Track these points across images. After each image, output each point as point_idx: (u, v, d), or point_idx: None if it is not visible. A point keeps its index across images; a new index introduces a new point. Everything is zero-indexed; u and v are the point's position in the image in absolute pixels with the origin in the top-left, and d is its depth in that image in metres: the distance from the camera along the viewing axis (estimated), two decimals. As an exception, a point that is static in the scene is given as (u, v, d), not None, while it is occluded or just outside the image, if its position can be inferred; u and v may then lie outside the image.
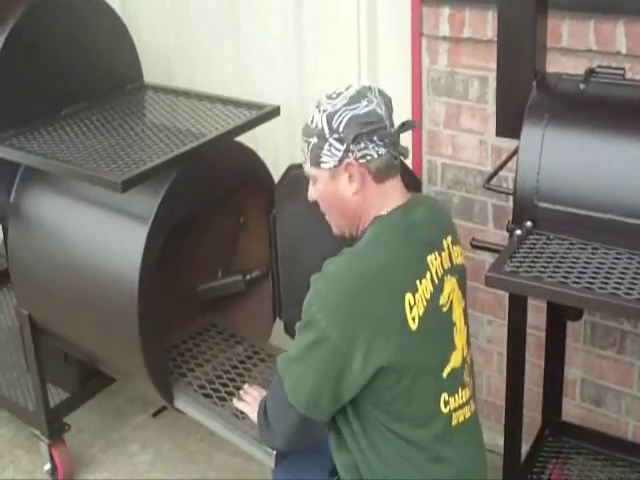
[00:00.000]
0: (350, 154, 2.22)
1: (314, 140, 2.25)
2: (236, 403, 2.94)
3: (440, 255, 2.30)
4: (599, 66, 2.57)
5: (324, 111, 2.25)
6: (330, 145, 2.23)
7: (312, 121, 2.27)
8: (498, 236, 3.16)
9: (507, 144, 2.93)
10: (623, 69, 2.53)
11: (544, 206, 2.42)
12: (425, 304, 2.21)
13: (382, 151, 2.23)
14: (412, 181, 3.05)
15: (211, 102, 3.31)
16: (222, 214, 3.30)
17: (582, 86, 2.48)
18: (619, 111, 2.45)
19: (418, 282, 2.21)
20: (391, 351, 2.15)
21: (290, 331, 3.11)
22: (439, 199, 3.34)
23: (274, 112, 3.15)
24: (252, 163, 3.18)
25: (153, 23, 3.96)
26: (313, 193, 2.36)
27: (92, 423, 3.85)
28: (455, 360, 2.31)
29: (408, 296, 2.18)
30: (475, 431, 2.43)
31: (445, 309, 2.29)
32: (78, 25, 3.33)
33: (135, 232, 2.86)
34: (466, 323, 2.41)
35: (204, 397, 3.05)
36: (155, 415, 3.89)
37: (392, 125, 2.27)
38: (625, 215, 2.31)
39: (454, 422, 2.31)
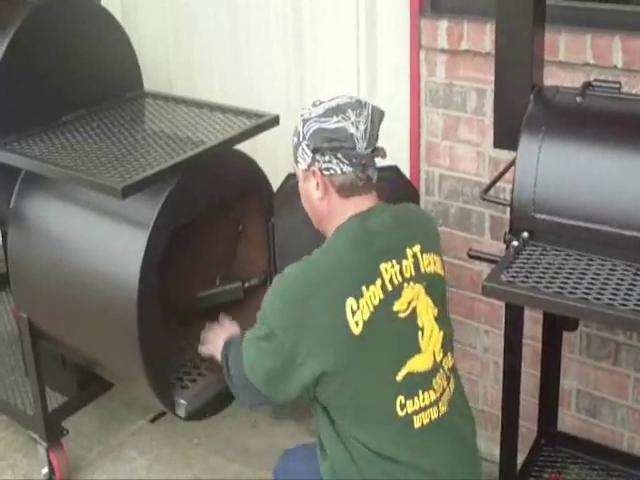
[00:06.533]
0: (316, 163, 2.32)
1: (294, 140, 2.39)
2: (200, 349, 3.01)
3: (400, 263, 2.34)
4: (595, 80, 2.59)
5: (302, 116, 2.38)
6: (302, 149, 2.35)
7: (298, 122, 2.39)
8: (495, 247, 3.18)
9: (504, 155, 2.95)
10: (619, 83, 2.55)
11: (541, 217, 2.43)
12: (372, 309, 2.25)
13: (347, 169, 2.30)
14: (409, 192, 3.08)
15: (211, 110, 3.32)
16: (221, 222, 3.31)
17: (579, 99, 2.50)
18: (615, 124, 2.47)
19: (364, 288, 2.26)
20: (331, 356, 2.23)
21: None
22: (436, 210, 3.36)
23: (273, 121, 3.17)
24: (251, 171, 3.19)
25: (153, 31, 3.97)
26: None
27: (90, 428, 3.86)
28: (417, 364, 2.33)
29: (350, 301, 2.23)
30: (448, 433, 2.42)
31: (403, 315, 2.32)
32: (79, 32, 3.34)
33: (135, 238, 2.87)
34: (443, 329, 2.42)
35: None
36: (153, 421, 3.90)
37: (371, 145, 2.31)
38: (621, 227, 2.33)
39: (416, 425, 2.33)
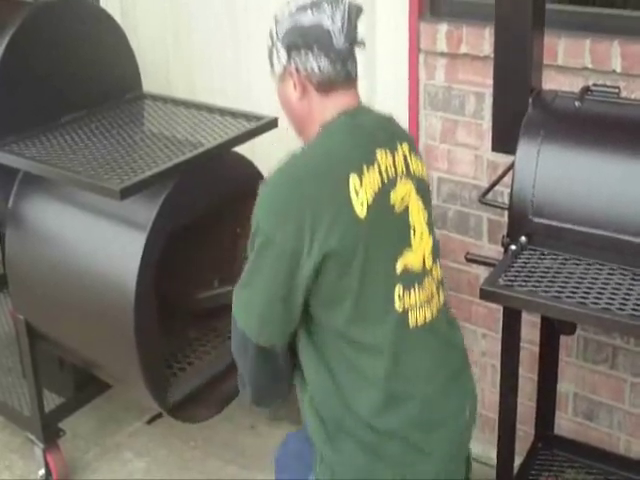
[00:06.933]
0: (292, 62, 2.24)
1: (269, 42, 2.29)
2: None
3: (392, 154, 2.28)
4: (594, 84, 2.59)
5: (275, 16, 2.28)
6: (277, 50, 2.26)
7: (271, 24, 2.30)
8: (493, 250, 3.18)
9: (503, 159, 2.94)
10: (618, 88, 2.56)
11: (539, 221, 2.44)
12: (373, 194, 2.18)
13: (324, 65, 2.21)
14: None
15: (210, 112, 3.33)
16: (219, 224, 3.31)
17: (577, 104, 2.51)
18: (613, 129, 2.47)
19: (365, 167, 2.19)
20: (337, 236, 2.13)
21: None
22: (434, 213, 3.35)
23: (272, 123, 3.18)
24: (249, 173, 3.19)
25: (153, 32, 3.97)
26: None
27: (87, 429, 3.86)
28: (411, 260, 2.27)
29: (353, 177, 2.16)
30: (441, 338, 2.36)
31: (398, 209, 2.25)
32: (78, 33, 3.35)
33: (133, 239, 2.87)
34: (432, 235, 2.36)
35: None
36: (150, 422, 3.89)
37: (349, 39, 2.23)
38: (618, 231, 2.33)
39: (411, 322, 2.26)
